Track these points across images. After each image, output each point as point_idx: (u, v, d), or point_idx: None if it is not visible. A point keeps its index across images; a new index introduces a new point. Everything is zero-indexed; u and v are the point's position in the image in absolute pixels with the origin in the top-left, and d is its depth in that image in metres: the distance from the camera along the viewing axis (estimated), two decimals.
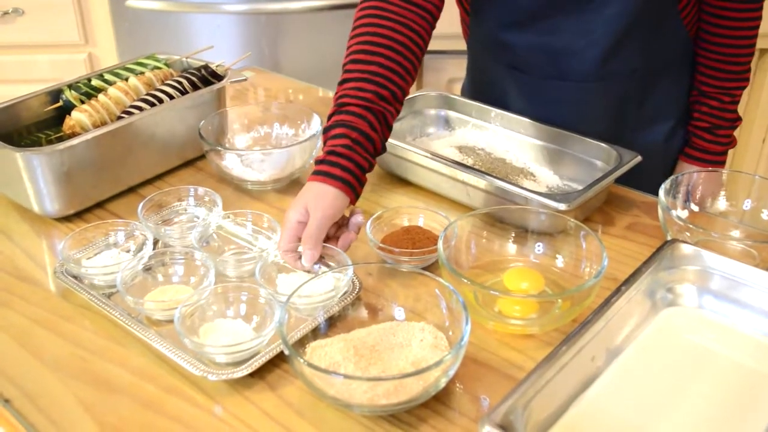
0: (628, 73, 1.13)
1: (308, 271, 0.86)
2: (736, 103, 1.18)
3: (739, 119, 1.19)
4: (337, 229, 0.91)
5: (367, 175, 0.93)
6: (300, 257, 0.86)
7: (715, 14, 1.12)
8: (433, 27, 1.03)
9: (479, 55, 1.26)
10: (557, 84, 1.14)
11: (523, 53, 1.14)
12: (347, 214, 0.92)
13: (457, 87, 1.37)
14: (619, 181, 1.02)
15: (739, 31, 1.12)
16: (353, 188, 0.89)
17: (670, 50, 1.15)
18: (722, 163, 1.22)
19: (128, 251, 0.94)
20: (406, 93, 0.98)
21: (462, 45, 1.32)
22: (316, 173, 0.89)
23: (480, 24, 1.21)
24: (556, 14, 1.08)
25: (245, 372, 0.75)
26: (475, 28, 1.23)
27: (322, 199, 0.87)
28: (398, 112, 0.98)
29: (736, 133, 1.21)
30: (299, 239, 0.87)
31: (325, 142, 0.93)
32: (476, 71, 1.29)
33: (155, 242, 0.95)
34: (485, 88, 1.25)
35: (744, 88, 1.17)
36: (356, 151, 0.90)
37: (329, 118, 0.94)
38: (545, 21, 1.09)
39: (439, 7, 1.03)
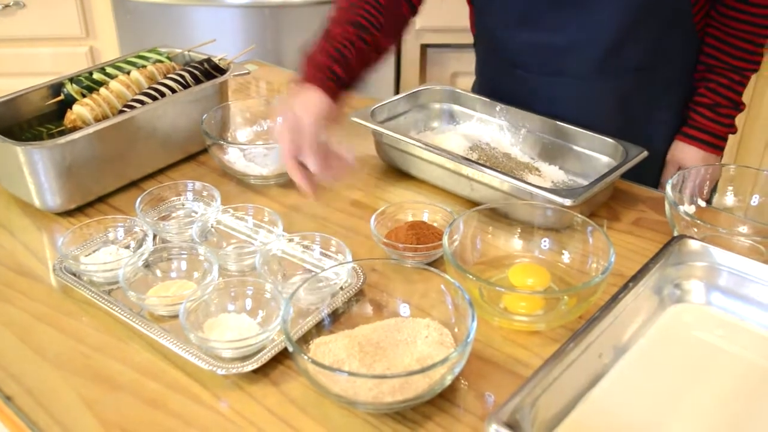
0: (631, 71, 1.11)
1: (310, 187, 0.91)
2: (744, 85, 1.13)
3: (743, 104, 1.15)
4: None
5: (371, 173, 0.92)
6: (305, 169, 0.91)
7: None
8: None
9: (485, 53, 1.26)
10: (559, 81, 1.13)
11: (526, 51, 1.14)
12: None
13: (461, 81, 1.37)
14: (625, 176, 1.01)
15: (760, 9, 1.07)
16: (335, 93, 0.95)
17: (680, 55, 1.12)
18: (721, 149, 1.16)
19: (127, 247, 0.93)
20: (388, 50, 1.04)
21: (466, 39, 1.31)
22: (298, 81, 0.95)
23: (484, 22, 1.20)
24: (558, 11, 1.07)
25: (254, 366, 0.74)
26: (480, 25, 1.22)
27: (308, 102, 0.92)
28: (376, 62, 1.03)
29: (739, 123, 1.18)
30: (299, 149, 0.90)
31: (306, 62, 0.97)
32: (483, 69, 1.29)
33: (153, 237, 0.94)
34: (492, 85, 1.25)
35: (754, 71, 1.13)
36: (338, 66, 0.96)
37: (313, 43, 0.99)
38: (548, 18, 1.08)
39: None
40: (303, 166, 0.90)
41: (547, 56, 1.12)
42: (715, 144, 1.15)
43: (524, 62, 1.15)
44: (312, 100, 0.92)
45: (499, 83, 1.21)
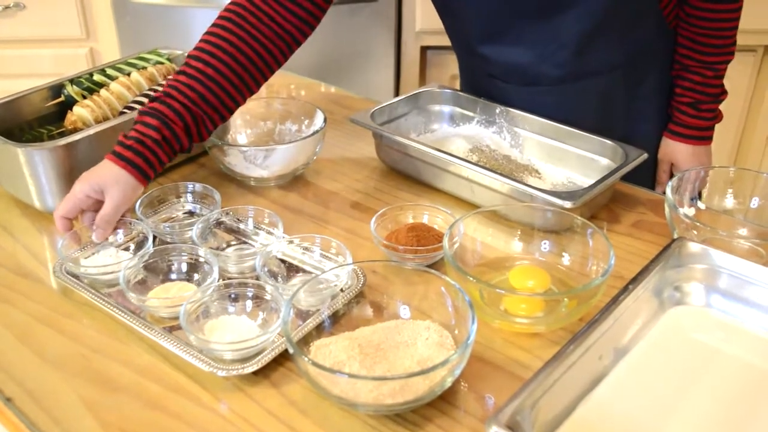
0: (607, 70, 1.12)
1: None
2: (721, 77, 1.16)
3: (724, 93, 1.17)
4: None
5: (371, 175, 0.93)
6: (71, 226, 0.92)
7: None
8: (292, 50, 1.05)
9: (463, 62, 1.27)
10: (536, 89, 1.14)
11: (498, 65, 1.14)
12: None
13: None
14: (623, 178, 1.02)
15: (722, 5, 1.10)
16: (149, 180, 0.95)
17: (653, 45, 1.14)
18: (709, 139, 1.20)
19: (127, 249, 0.93)
20: (239, 103, 1.02)
21: None
22: (120, 156, 0.93)
23: (455, 37, 1.21)
24: (522, 23, 1.07)
25: (255, 368, 0.74)
26: (452, 38, 1.23)
27: (122, 186, 0.92)
28: (224, 119, 1.02)
29: (722, 107, 1.20)
30: (82, 211, 0.92)
31: (138, 122, 0.95)
32: (465, 76, 1.30)
33: (153, 239, 0.94)
34: (474, 92, 1.25)
35: (728, 62, 1.15)
36: (163, 149, 0.95)
37: (152, 99, 0.97)
38: (514, 31, 1.08)
39: (305, 33, 1.05)
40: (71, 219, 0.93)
41: (519, 69, 1.13)
42: (701, 136, 1.19)
43: (499, 74, 1.16)
44: (127, 187, 0.92)
45: (481, 91, 1.22)
